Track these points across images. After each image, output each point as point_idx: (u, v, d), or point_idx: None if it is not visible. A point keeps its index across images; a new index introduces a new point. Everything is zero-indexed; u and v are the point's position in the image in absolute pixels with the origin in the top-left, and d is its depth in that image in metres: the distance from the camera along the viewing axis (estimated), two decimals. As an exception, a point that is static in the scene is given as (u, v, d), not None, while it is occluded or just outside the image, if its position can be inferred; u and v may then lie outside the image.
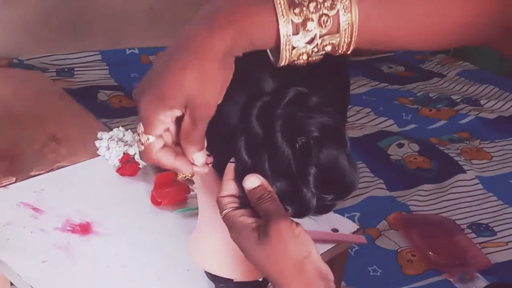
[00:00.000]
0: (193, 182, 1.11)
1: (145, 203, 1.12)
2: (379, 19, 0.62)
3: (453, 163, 2.42)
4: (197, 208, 0.89)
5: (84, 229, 1.04)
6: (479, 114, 2.82)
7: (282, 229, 0.67)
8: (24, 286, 0.93)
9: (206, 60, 0.60)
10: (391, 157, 2.46)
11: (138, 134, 0.65)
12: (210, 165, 0.71)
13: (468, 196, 2.26)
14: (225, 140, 0.70)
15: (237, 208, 0.71)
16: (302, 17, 0.60)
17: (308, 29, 0.60)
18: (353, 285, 1.70)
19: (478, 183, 2.33)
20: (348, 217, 1.17)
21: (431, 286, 1.85)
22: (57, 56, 2.86)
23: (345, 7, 0.60)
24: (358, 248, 1.85)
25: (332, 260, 1.08)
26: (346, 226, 1.11)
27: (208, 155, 0.70)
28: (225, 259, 0.85)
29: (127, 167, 1.19)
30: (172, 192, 1.12)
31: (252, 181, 0.69)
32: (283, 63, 0.62)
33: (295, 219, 0.69)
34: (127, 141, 1.22)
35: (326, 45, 0.61)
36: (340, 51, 0.63)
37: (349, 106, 0.77)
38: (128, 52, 3.00)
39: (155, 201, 1.11)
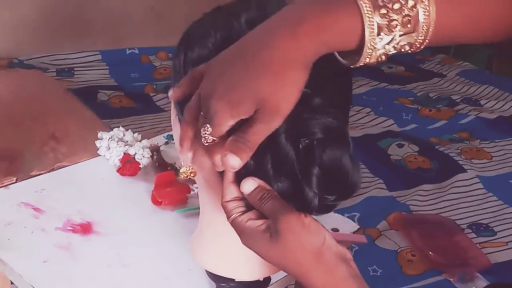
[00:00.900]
0: (193, 182, 1.12)
1: (145, 203, 1.12)
2: (447, 15, 0.64)
3: (453, 163, 2.42)
4: (198, 208, 0.90)
5: (85, 229, 1.04)
6: (479, 114, 2.82)
7: (291, 223, 0.67)
8: (25, 286, 0.93)
9: (289, 70, 0.61)
10: (391, 157, 2.46)
11: (205, 135, 0.65)
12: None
13: (468, 196, 2.26)
14: None
15: (243, 212, 0.71)
16: (387, 19, 0.61)
17: (392, 31, 0.61)
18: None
19: (478, 183, 2.33)
20: (348, 217, 1.17)
21: (431, 286, 1.85)
22: (57, 56, 2.86)
23: (424, 8, 0.61)
24: (358, 248, 1.85)
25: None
26: (347, 226, 1.11)
27: None
28: (226, 259, 0.85)
29: (128, 167, 1.19)
30: (172, 192, 1.12)
31: (249, 185, 0.69)
32: (360, 65, 0.63)
33: None
34: (127, 141, 1.22)
35: (404, 45, 0.63)
36: (412, 50, 0.64)
37: (349, 106, 0.78)
38: (128, 52, 3.00)
39: (156, 201, 1.11)
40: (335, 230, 1.10)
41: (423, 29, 0.62)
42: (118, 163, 1.19)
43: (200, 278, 0.93)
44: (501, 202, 2.26)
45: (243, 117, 0.63)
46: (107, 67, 2.90)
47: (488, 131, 2.71)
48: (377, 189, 2.23)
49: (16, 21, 2.76)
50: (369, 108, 2.80)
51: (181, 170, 0.79)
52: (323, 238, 0.69)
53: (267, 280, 0.88)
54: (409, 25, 0.62)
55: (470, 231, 2.09)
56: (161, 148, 1.25)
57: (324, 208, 0.71)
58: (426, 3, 0.61)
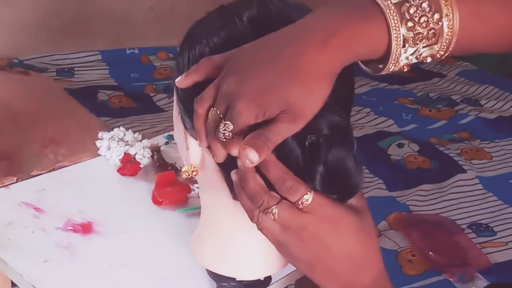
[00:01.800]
0: (194, 182, 1.12)
1: (146, 202, 1.12)
2: (470, 29, 0.65)
3: (453, 163, 2.42)
4: (199, 208, 0.90)
5: (86, 228, 1.04)
6: (479, 114, 2.82)
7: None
8: (26, 286, 0.93)
9: (318, 82, 0.63)
10: (391, 157, 2.46)
11: (225, 131, 0.65)
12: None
13: (468, 196, 2.26)
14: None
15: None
16: (413, 32, 0.62)
17: (417, 43, 0.63)
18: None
19: (478, 183, 2.33)
20: (348, 217, 1.16)
21: (431, 286, 1.85)
22: (57, 56, 2.86)
23: (448, 21, 0.63)
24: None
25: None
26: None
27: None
28: (227, 258, 0.85)
29: (128, 166, 1.19)
30: (173, 191, 1.12)
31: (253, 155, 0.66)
32: (383, 73, 0.66)
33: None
34: (127, 141, 1.22)
35: (426, 56, 0.65)
36: (434, 60, 0.66)
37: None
38: (128, 52, 3.00)
39: (156, 201, 1.11)
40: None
41: (445, 42, 0.64)
42: (118, 163, 1.19)
43: (201, 277, 0.93)
44: (501, 202, 2.26)
45: (267, 119, 0.64)
46: (107, 67, 2.90)
47: (488, 131, 2.71)
48: (377, 189, 2.23)
49: (16, 21, 2.76)
50: (369, 108, 2.80)
51: (183, 169, 0.79)
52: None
53: (268, 279, 0.88)
54: (433, 38, 0.63)
55: (470, 231, 2.10)
56: (162, 148, 1.25)
57: None
58: (450, 16, 0.63)
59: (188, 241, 0.92)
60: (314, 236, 0.68)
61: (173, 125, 0.84)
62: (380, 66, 0.65)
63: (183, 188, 1.14)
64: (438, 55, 0.65)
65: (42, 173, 1.19)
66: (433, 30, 0.63)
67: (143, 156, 1.19)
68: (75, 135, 1.97)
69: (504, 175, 2.43)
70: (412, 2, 0.62)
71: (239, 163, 0.68)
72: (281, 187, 0.66)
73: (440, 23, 0.63)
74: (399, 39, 0.62)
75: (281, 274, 0.92)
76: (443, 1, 0.63)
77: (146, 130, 2.35)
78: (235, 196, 0.72)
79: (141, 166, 1.19)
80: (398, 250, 1.97)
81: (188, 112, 0.75)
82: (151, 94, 2.76)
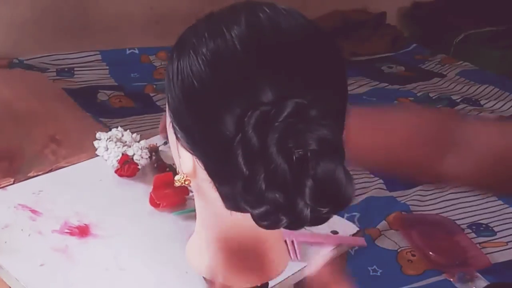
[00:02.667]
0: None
1: (143, 204, 1.12)
2: None
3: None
4: (195, 210, 0.89)
5: (82, 231, 1.04)
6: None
7: None
8: (22, 290, 0.93)
9: None
10: (391, 157, 2.45)
11: None
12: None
13: (468, 196, 2.26)
14: (222, 149, 0.69)
15: None
16: None
17: None
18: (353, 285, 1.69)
19: (478, 184, 2.32)
20: (348, 217, 1.16)
21: (431, 286, 1.85)
22: (57, 56, 2.86)
23: None
24: (358, 248, 1.85)
25: (332, 261, 1.07)
26: (346, 228, 1.11)
27: None
28: (222, 265, 0.84)
29: (126, 168, 1.18)
30: (171, 193, 1.11)
31: None
32: None
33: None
34: (125, 142, 1.22)
35: None
36: None
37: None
38: (128, 52, 3.00)
39: (154, 203, 1.11)
40: (335, 232, 1.09)
41: None
42: (116, 164, 1.19)
43: (198, 280, 0.93)
44: (501, 202, 2.25)
45: None
46: (107, 67, 2.90)
47: (488, 131, 2.70)
48: (377, 189, 2.22)
49: (16, 21, 2.76)
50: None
51: (176, 178, 0.79)
52: None
53: (265, 286, 0.88)
54: None
55: (470, 231, 2.09)
56: (160, 148, 1.25)
57: (317, 220, 0.70)
58: None
59: (185, 244, 0.92)
60: None
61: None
62: None
63: (181, 190, 1.13)
64: None
65: (39, 174, 1.19)
66: None
67: (141, 157, 1.18)
68: (76, 135, 1.97)
69: (504, 175, 2.41)
70: None
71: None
72: None
73: None
74: None
75: (277, 280, 0.92)
76: None
77: (146, 130, 2.35)
78: (228, 206, 0.72)
79: (139, 167, 1.19)
80: (398, 250, 1.97)
81: (178, 123, 0.75)
82: (151, 94, 2.76)
